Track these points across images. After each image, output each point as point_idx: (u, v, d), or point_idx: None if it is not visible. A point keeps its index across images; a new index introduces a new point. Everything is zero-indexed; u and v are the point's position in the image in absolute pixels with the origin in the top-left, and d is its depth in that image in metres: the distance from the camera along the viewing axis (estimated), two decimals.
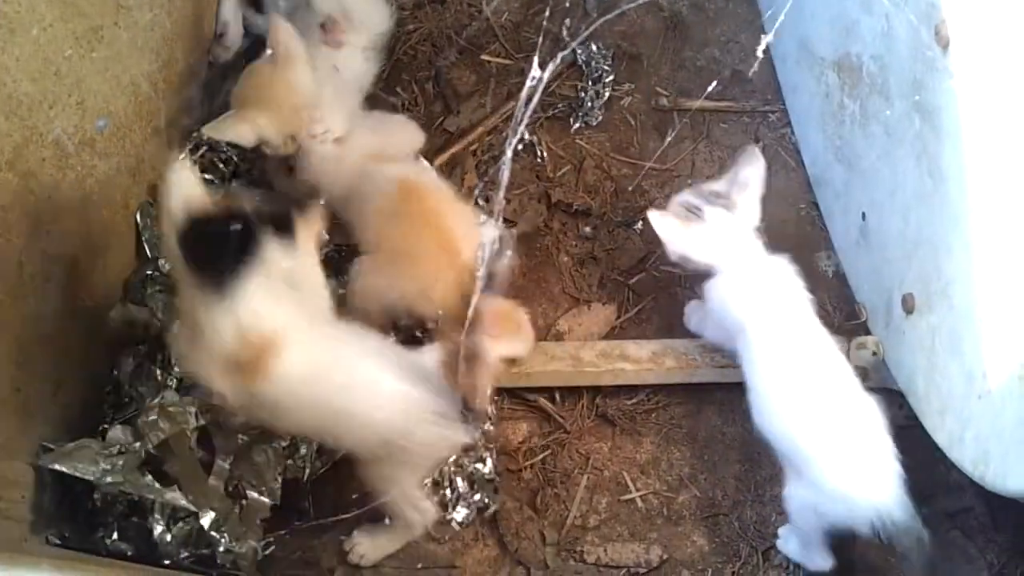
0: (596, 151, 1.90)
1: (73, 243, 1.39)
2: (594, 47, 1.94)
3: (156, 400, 1.44)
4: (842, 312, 1.74)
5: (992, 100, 1.26)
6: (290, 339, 1.20)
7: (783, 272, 1.52)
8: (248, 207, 1.20)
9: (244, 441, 1.45)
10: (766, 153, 1.88)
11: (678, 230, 1.51)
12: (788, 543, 1.56)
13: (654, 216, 1.51)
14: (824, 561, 1.51)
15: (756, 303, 1.50)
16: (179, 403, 1.44)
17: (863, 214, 1.66)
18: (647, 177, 1.87)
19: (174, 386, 1.48)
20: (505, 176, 0.98)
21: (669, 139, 1.89)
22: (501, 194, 1.02)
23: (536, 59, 0.83)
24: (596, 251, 1.80)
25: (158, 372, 1.48)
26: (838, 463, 1.37)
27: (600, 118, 1.93)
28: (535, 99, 0.85)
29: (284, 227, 1.23)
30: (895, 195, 1.53)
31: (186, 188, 1.16)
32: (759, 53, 1.15)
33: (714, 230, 1.51)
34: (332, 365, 1.25)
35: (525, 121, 0.89)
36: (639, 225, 1.82)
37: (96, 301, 1.47)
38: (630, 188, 1.85)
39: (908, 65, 1.42)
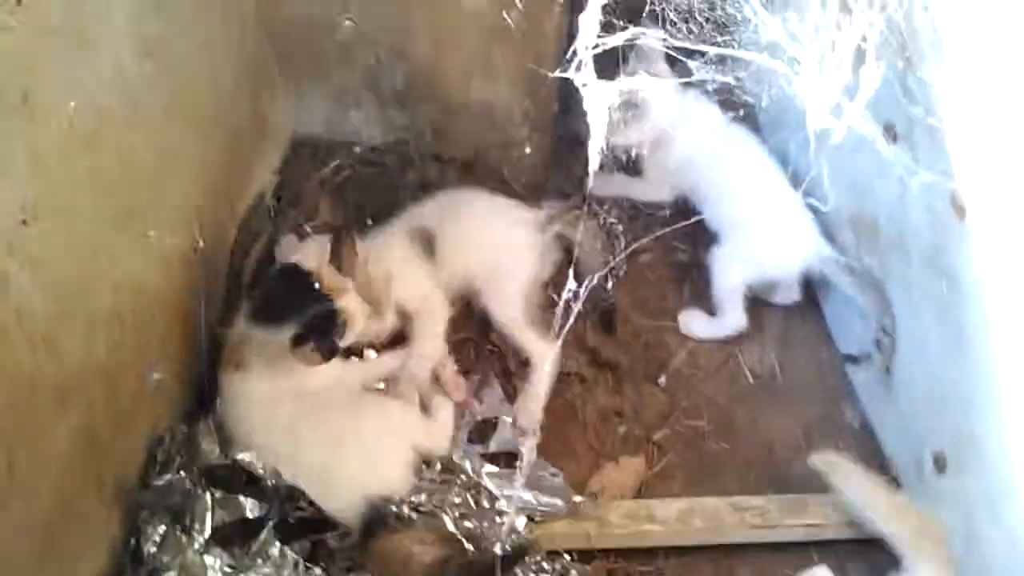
0: (620, 305, 1.92)
1: (100, 413, 1.38)
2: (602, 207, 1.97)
3: (177, 560, 1.43)
4: (871, 466, 1.71)
5: (1015, 264, 1.27)
6: None
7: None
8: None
9: None
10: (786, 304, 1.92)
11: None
12: (692, 324, 1.87)
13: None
14: (740, 321, 1.85)
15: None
16: (201, 564, 1.43)
17: (887, 368, 1.65)
18: (669, 332, 1.89)
19: (198, 548, 1.45)
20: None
21: (687, 293, 1.93)
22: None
23: (571, 271, 0.86)
24: (622, 405, 1.79)
25: (183, 537, 1.45)
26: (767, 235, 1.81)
27: (624, 268, 1.96)
28: (574, 312, 0.87)
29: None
30: (920, 351, 1.53)
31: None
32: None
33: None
34: None
35: (565, 330, 0.90)
36: (662, 379, 1.82)
37: (118, 468, 1.46)
38: (653, 343, 1.86)
39: (925, 229, 1.44)
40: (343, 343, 1.56)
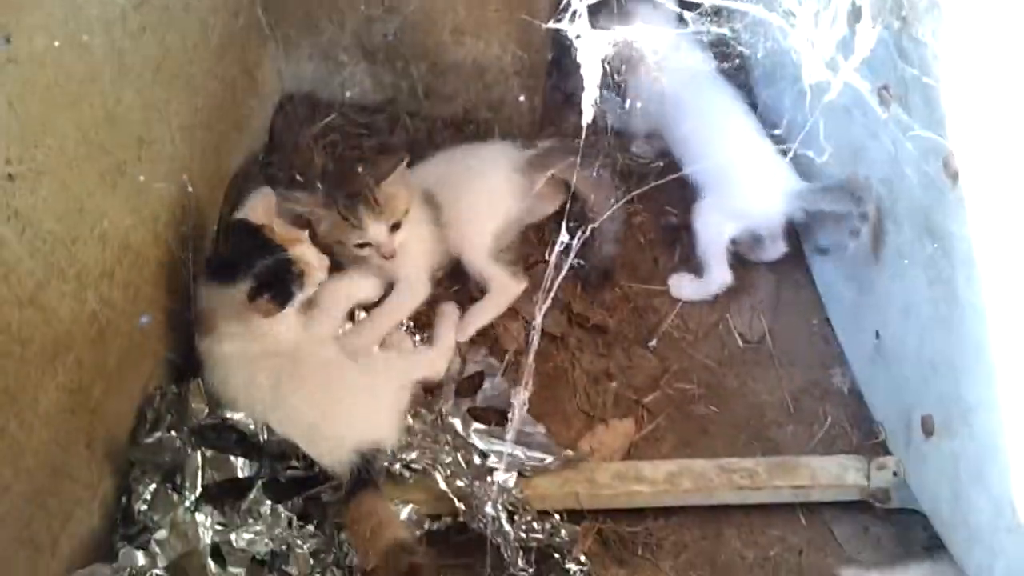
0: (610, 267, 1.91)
1: (89, 373, 1.38)
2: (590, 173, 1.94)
3: (168, 518, 1.44)
4: (860, 430, 1.73)
5: (1006, 229, 1.26)
6: None
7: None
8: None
9: None
10: (777, 270, 1.92)
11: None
12: (680, 287, 1.88)
13: None
14: (725, 276, 1.84)
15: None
16: (192, 521, 1.44)
17: (877, 332, 1.66)
18: (659, 295, 1.89)
19: (188, 506, 1.46)
20: (534, 343, 1.00)
21: (678, 257, 1.94)
22: (530, 358, 1.02)
23: (564, 225, 0.85)
24: (611, 368, 1.80)
25: (174, 495, 1.47)
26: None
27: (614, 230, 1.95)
28: (565, 266, 0.86)
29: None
30: (909, 316, 1.53)
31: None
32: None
33: None
34: None
35: (556, 285, 0.90)
36: (653, 343, 1.83)
37: (108, 428, 1.45)
38: (643, 306, 1.86)
39: (917, 193, 1.43)
40: (303, 292, 1.57)
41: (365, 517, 1.45)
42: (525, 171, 1.85)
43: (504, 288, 1.81)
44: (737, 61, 1.71)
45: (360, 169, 1.69)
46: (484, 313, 1.80)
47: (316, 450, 1.51)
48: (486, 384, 1.73)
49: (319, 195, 1.66)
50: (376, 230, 1.66)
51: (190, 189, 1.58)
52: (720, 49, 1.49)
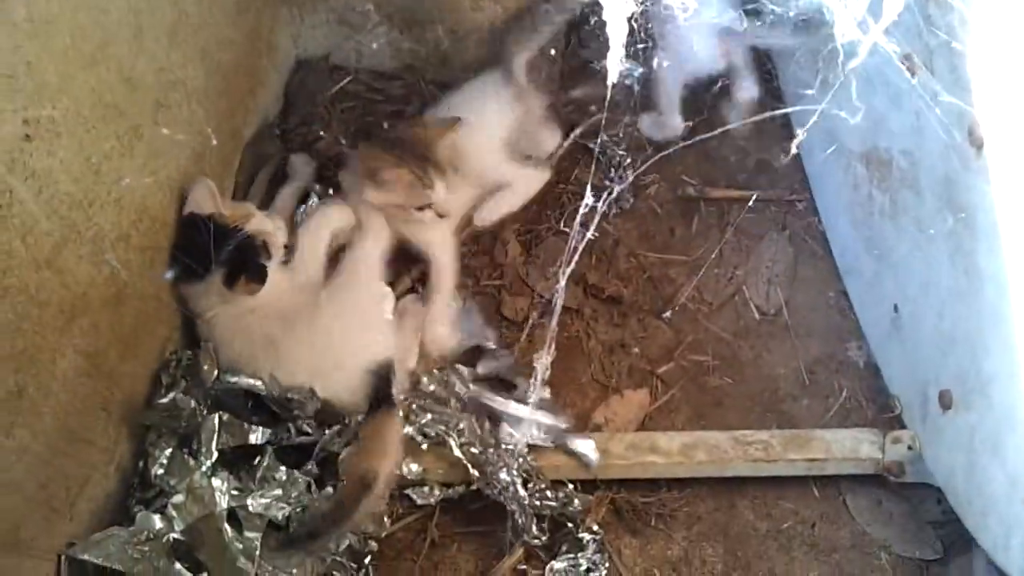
0: (625, 238, 1.91)
1: (105, 336, 1.38)
2: (604, 136, 1.91)
3: (184, 482, 1.45)
4: (875, 404, 1.72)
5: None
6: None
7: None
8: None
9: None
10: (794, 241, 1.91)
11: None
12: (644, 122, 1.93)
13: None
14: (678, 124, 1.90)
15: None
16: (208, 486, 1.45)
17: (895, 306, 1.64)
18: (675, 266, 1.88)
19: (205, 471, 1.47)
20: (557, 308, 0.99)
21: (696, 228, 1.91)
22: (555, 321, 1.01)
23: (589, 187, 0.85)
24: (626, 339, 1.79)
25: (190, 460, 1.47)
26: None
27: (632, 201, 1.95)
28: (591, 228, 0.86)
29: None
30: (929, 289, 1.52)
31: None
32: (793, 148, 1.20)
33: None
34: None
35: (580, 248, 0.89)
36: (668, 314, 1.82)
37: (125, 393, 1.46)
38: (658, 277, 1.86)
39: (940, 163, 1.41)
40: (273, 261, 1.59)
41: (372, 436, 1.50)
42: (504, 79, 1.88)
43: (528, 178, 1.85)
44: (770, 19, 1.68)
45: (415, 133, 1.73)
46: (508, 200, 1.83)
47: (332, 387, 1.54)
48: (491, 356, 1.73)
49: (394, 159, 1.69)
50: (441, 189, 1.70)
51: (214, 142, 1.60)
52: (751, 6, 1.46)
